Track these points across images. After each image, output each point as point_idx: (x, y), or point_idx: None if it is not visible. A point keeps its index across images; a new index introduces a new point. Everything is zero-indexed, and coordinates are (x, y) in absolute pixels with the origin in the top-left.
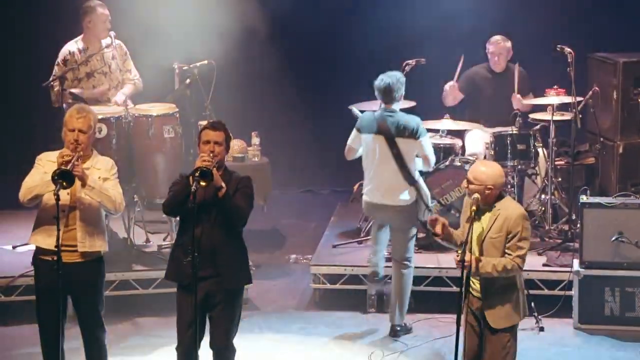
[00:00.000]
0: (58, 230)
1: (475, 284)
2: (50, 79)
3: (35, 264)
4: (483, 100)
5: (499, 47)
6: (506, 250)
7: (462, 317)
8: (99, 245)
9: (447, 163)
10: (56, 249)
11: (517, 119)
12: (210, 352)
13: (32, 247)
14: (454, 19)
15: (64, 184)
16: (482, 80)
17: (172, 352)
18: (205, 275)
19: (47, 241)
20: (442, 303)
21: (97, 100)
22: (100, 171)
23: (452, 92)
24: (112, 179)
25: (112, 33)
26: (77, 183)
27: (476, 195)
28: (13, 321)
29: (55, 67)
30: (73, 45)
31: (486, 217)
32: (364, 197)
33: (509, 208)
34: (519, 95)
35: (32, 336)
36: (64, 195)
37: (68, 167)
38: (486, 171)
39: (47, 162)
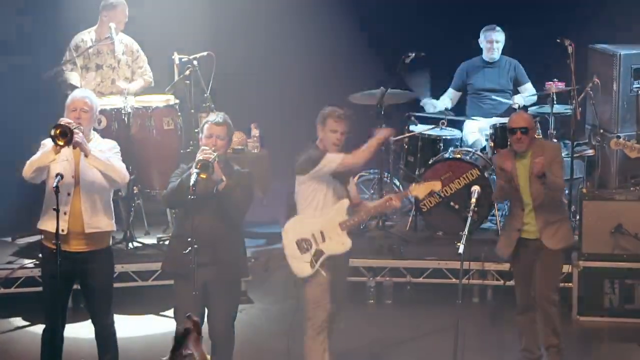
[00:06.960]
0: (57, 212)
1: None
2: (62, 63)
3: (43, 252)
4: (479, 92)
5: (495, 35)
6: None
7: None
8: (105, 224)
9: (446, 155)
10: (62, 232)
11: (516, 111)
12: (210, 342)
13: (31, 239)
14: (452, 11)
15: (62, 142)
16: (476, 72)
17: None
18: (204, 264)
19: (55, 225)
20: (441, 295)
21: (100, 93)
22: (103, 152)
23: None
24: (115, 156)
25: (112, 25)
26: (81, 164)
27: (476, 187)
28: (13, 313)
29: (67, 53)
30: (86, 35)
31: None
32: None
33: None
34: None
35: (32, 328)
36: (69, 178)
37: (68, 126)
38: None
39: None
